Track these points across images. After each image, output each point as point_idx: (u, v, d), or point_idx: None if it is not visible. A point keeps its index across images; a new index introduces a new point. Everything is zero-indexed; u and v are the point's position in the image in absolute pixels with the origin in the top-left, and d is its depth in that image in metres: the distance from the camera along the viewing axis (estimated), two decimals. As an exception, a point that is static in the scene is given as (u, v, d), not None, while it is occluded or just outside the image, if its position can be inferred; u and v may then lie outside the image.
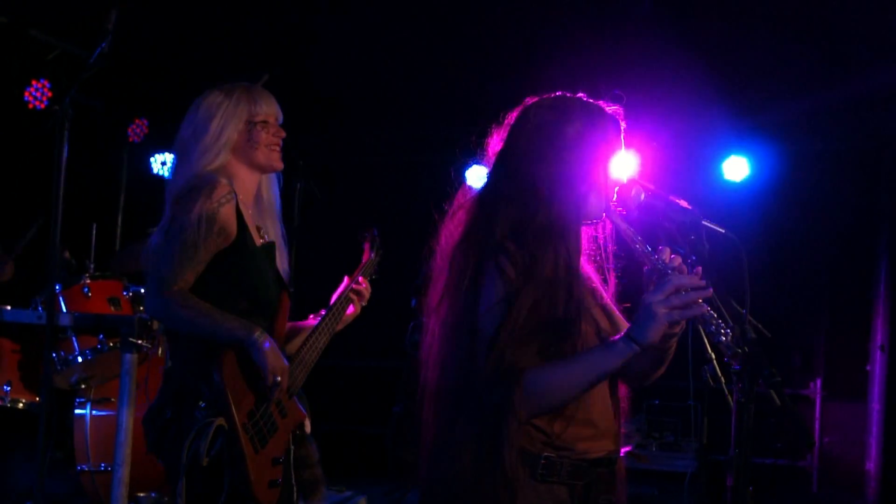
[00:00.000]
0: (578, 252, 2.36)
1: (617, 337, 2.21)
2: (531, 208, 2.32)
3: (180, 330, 2.98)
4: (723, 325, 2.18)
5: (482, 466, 2.21)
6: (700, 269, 2.22)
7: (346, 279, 3.49)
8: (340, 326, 3.42)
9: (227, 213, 3.00)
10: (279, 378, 2.98)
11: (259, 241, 3.15)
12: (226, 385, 2.91)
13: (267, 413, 3.03)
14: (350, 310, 3.44)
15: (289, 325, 3.30)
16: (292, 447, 3.16)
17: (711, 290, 2.19)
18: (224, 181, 3.04)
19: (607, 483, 2.37)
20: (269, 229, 3.25)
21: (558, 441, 2.29)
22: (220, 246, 2.99)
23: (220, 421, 2.86)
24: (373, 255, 3.66)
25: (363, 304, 3.52)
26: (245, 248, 3.06)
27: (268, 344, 2.96)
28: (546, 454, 2.29)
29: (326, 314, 3.35)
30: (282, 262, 3.26)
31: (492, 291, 2.25)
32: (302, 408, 3.21)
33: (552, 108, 2.42)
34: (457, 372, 2.28)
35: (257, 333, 2.95)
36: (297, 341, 3.31)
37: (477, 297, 2.25)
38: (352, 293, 3.45)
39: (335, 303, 3.40)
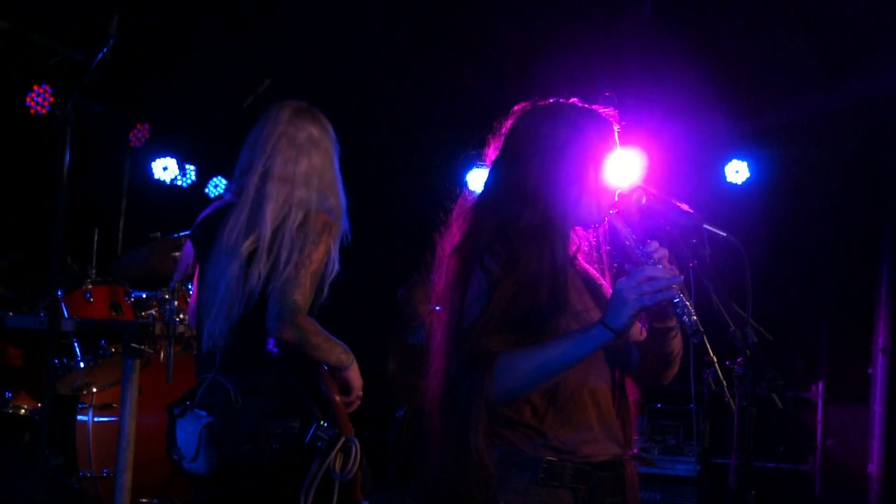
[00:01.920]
0: (565, 253, 2.37)
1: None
2: (517, 211, 2.35)
3: (306, 353, 3.07)
4: (690, 307, 2.19)
5: (454, 455, 2.24)
6: (666, 253, 2.26)
7: None
8: None
9: None
10: (360, 394, 3.25)
11: None
12: (336, 400, 3.11)
13: None
14: None
15: None
16: None
17: (682, 277, 2.21)
18: None
19: (612, 487, 2.37)
20: None
21: (559, 445, 2.30)
22: None
23: (344, 439, 3.08)
24: None
25: None
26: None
27: (355, 362, 3.23)
28: (547, 458, 2.29)
29: None
30: None
31: (475, 287, 2.28)
32: None
33: (541, 113, 2.45)
34: (448, 370, 2.30)
35: (352, 359, 3.21)
36: None
37: (464, 296, 2.29)
38: None
39: None
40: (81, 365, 4.71)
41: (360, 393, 3.25)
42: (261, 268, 3.08)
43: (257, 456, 3.05)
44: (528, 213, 2.33)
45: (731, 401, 3.06)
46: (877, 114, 7.22)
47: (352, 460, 3.06)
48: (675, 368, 2.46)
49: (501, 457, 2.29)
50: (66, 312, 4.77)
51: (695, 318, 2.18)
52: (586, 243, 2.56)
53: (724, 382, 3.26)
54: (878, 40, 6.34)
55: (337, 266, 3.21)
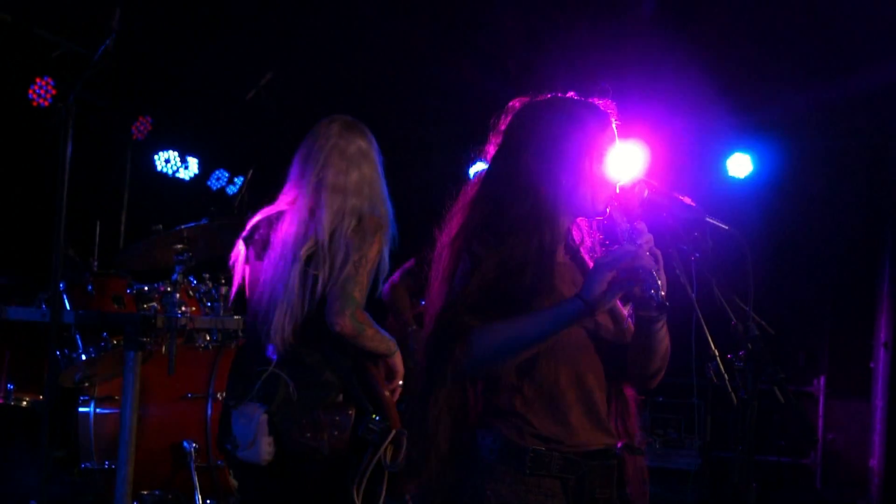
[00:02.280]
0: (553, 243, 2.37)
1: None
2: (507, 202, 2.35)
3: (362, 345, 3.33)
4: (661, 283, 2.20)
5: (417, 430, 2.29)
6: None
7: None
8: None
9: None
10: (401, 382, 3.51)
11: None
12: (385, 394, 3.36)
13: None
14: None
15: None
16: None
17: (658, 253, 2.24)
18: None
19: (603, 477, 2.37)
20: None
21: (547, 434, 2.30)
22: None
23: (395, 431, 3.31)
24: None
25: None
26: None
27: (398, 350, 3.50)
28: (534, 447, 2.29)
29: None
30: None
31: (462, 269, 2.31)
32: None
33: (537, 107, 2.46)
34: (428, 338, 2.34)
35: (396, 344, 3.46)
36: None
37: (452, 279, 2.33)
38: None
39: None
40: (83, 357, 4.71)
41: (402, 380, 3.50)
42: (320, 270, 3.32)
43: (316, 443, 3.27)
44: (518, 203, 2.34)
45: (733, 394, 3.06)
46: (879, 108, 7.22)
47: (402, 452, 3.28)
48: (663, 371, 2.44)
49: (490, 446, 2.30)
50: (67, 305, 4.77)
51: (663, 293, 2.19)
52: (590, 238, 2.56)
53: (726, 376, 3.26)
54: (882, 33, 6.33)
55: (387, 265, 3.44)
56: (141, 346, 4.20)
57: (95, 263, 5.12)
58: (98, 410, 4.78)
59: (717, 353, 3.24)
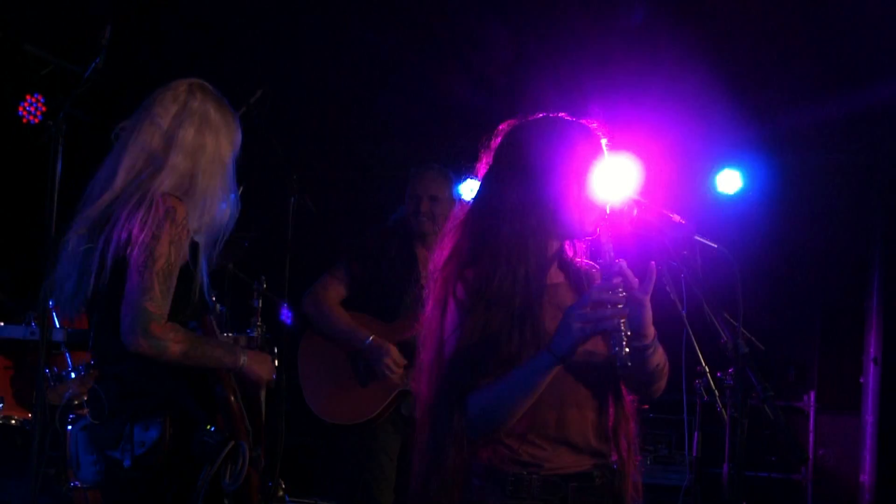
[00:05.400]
0: (540, 270, 2.36)
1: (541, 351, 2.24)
2: (491, 229, 2.35)
3: (180, 363, 2.78)
4: (626, 339, 2.16)
5: (426, 486, 2.29)
6: (622, 264, 2.23)
7: None
8: None
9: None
10: (273, 378, 3.06)
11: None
12: (230, 401, 2.88)
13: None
14: None
15: None
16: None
17: (627, 309, 2.18)
18: None
19: (585, 498, 2.37)
20: None
21: (528, 458, 2.32)
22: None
23: (233, 443, 2.84)
24: None
25: None
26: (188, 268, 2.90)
27: (249, 358, 2.96)
28: (514, 472, 2.31)
29: None
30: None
31: (450, 318, 2.31)
32: None
33: (527, 128, 2.45)
34: (429, 393, 2.35)
35: (243, 358, 2.94)
36: None
37: (442, 325, 2.33)
38: None
39: None
40: (73, 375, 4.70)
41: (271, 377, 3.07)
42: (108, 234, 2.78)
43: (123, 460, 2.78)
44: (503, 230, 2.33)
45: (723, 410, 3.06)
46: (869, 126, 7.25)
47: (239, 467, 2.84)
48: (662, 383, 2.46)
49: (478, 474, 2.33)
50: (57, 322, 4.76)
51: (627, 350, 2.16)
52: (581, 256, 2.54)
53: (716, 392, 3.27)
54: (873, 53, 6.37)
55: (203, 272, 2.90)
56: (131, 364, 4.18)
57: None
58: (87, 428, 4.75)
59: (707, 370, 3.24)
